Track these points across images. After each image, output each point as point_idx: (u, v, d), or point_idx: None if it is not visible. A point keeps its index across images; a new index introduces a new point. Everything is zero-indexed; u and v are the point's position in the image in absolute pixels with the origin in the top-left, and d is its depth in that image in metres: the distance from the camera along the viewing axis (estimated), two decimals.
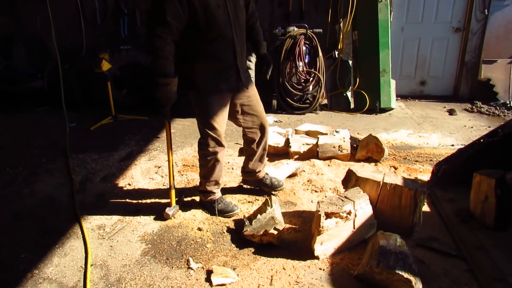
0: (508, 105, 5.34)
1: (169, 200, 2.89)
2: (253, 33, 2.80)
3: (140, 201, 3.10)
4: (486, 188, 2.60)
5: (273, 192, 3.10)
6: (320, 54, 5.19)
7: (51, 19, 4.54)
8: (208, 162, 2.74)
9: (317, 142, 3.77)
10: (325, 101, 5.55)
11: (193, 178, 3.44)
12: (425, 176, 3.37)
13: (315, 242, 2.33)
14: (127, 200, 3.12)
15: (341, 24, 5.53)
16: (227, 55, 2.51)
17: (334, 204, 2.36)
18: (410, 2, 5.61)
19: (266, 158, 3.08)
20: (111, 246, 2.54)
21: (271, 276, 2.23)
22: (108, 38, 5.78)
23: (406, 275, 2.01)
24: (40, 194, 3.24)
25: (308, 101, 5.41)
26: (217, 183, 2.86)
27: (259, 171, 3.03)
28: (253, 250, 2.46)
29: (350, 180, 2.68)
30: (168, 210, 2.79)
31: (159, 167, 3.68)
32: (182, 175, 3.52)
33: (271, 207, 2.60)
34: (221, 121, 2.65)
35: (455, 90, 5.90)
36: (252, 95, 2.77)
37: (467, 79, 5.75)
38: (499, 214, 2.54)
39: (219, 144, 2.69)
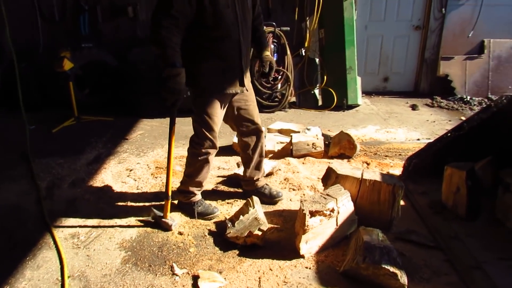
0: (465, 100, 5.62)
1: (147, 204, 2.80)
2: (257, 34, 2.77)
3: (114, 206, 2.97)
4: (457, 180, 2.72)
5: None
6: (288, 52, 5.22)
7: (4, 14, 4.25)
8: (197, 162, 2.69)
9: (291, 141, 3.79)
10: (293, 99, 5.59)
11: None
12: (396, 170, 3.48)
13: (300, 241, 2.33)
14: (100, 205, 2.98)
15: (308, 22, 5.59)
16: (233, 56, 2.49)
17: (318, 202, 2.37)
18: (373, 1, 5.77)
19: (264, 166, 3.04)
20: (88, 255, 2.42)
21: (259, 278, 2.21)
22: (67, 36, 5.51)
23: (392, 269, 2.06)
24: (3, 203, 3.04)
25: (277, 99, 5.43)
26: (200, 184, 2.80)
27: (258, 180, 2.98)
28: (237, 252, 2.44)
29: (329, 177, 2.70)
30: (170, 221, 2.66)
31: (130, 170, 3.56)
32: (156, 177, 3.42)
33: (253, 207, 2.58)
34: (219, 122, 2.62)
35: (416, 85, 6.14)
36: (250, 100, 2.75)
37: (427, 75, 6.00)
38: (470, 205, 2.67)
39: (213, 145, 2.65)
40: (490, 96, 5.73)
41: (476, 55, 5.81)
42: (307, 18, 5.60)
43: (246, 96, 2.70)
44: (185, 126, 4.77)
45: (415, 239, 2.52)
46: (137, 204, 3.00)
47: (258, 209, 2.59)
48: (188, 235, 2.62)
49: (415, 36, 5.91)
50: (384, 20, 5.86)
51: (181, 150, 4.04)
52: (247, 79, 2.67)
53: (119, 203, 3.02)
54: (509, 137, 3.07)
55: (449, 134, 3.25)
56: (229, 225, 2.55)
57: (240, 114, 2.74)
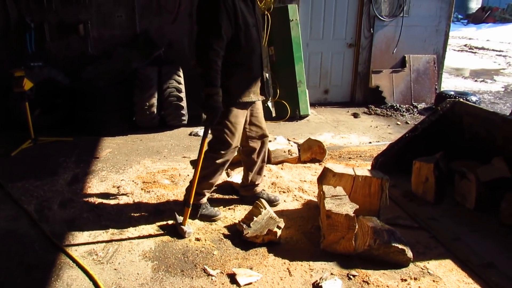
0: (395, 107, 6.45)
1: (151, 217, 2.86)
2: None
3: (118, 222, 2.99)
4: (426, 172, 3.26)
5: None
6: None
7: None
8: (214, 165, 2.87)
9: (268, 149, 4.08)
10: None
11: (162, 194, 3.43)
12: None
13: (351, 239, 2.58)
14: (104, 223, 2.98)
15: None
16: (258, 68, 2.80)
17: (343, 204, 2.65)
18: (312, 22, 6.37)
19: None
20: (115, 269, 2.46)
21: (287, 268, 2.47)
22: (10, 54, 5.19)
23: (400, 246, 2.47)
24: None
25: None
26: (211, 186, 3.00)
27: (257, 185, 3.21)
28: (258, 249, 2.66)
29: (326, 176, 3.06)
30: (186, 228, 2.78)
31: (118, 187, 3.55)
32: (148, 192, 3.47)
33: (265, 208, 2.84)
34: (241, 129, 2.86)
35: (352, 96, 6.86)
36: (260, 107, 3.03)
37: (361, 86, 6.74)
38: (438, 191, 3.22)
39: (234, 150, 2.88)
40: (414, 103, 6.64)
41: (400, 68, 6.71)
42: None
43: (258, 104, 3.00)
44: (153, 142, 4.82)
45: (402, 222, 2.99)
46: (141, 218, 3.05)
47: (269, 210, 2.84)
48: (205, 240, 2.77)
49: (349, 52, 6.64)
50: (322, 38, 6.49)
51: (158, 165, 4.11)
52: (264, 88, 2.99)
53: (122, 219, 3.04)
54: (454, 134, 3.73)
55: (406, 135, 3.82)
56: (245, 226, 2.76)
57: (251, 121, 3.01)
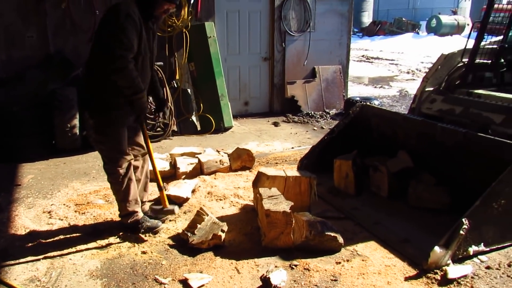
0: (310, 114, 7.00)
1: (91, 236, 2.84)
2: (153, 79, 3.12)
3: (56, 246, 2.91)
4: (346, 168, 3.68)
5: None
6: (166, 85, 5.63)
7: None
8: (122, 184, 2.90)
9: (199, 161, 4.24)
10: (174, 127, 5.98)
11: (98, 213, 3.39)
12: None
13: (290, 234, 2.82)
14: (40, 248, 2.88)
15: (177, 57, 6.11)
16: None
17: (280, 203, 2.90)
18: (228, 38, 6.68)
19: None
20: None
21: (235, 267, 2.64)
22: None
23: (333, 234, 2.79)
24: None
25: (159, 128, 5.73)
26: (136, 201, 3.02)
27: (144, 203, 3.24)
28: (205, 254, 2.79)
29: (260, 180, 3.30)
30: (171, 207, 2.99)
31: (49, 212, 3.42)
32: (82, 213, 3.40)
33: (207, 215, 2.98)
34: (126, 144, 2.93)
35: (270, 106, 7.28)
36: (137, 127, 3.06)
37: (278, 97, 7.20)
38: (357, 184, 3.64)
39: (129, 164, 2.93)
40: (326, 110, 7.26)
41: (311, 79, 7.30)
42: (175, 53, 6.12)
43: (136, 124, 3.04)
44: (78, 164, 4.68)
45: (331, 215, 3.33)
46: (80, 239, 3.00)
47: (212, 216, 2.99)
48: (152, 252, 2.83)
49: (264, 66, 7.07)
50: (239, 53, 6.83)
51: (89, 186, 4.03)
52: None
53: (61, 242, 2.96)
54: (364, 134, 4.23)
55: (325, 138, 4.25)
56: (189, 234, 2.88)
57: (134, 139, 3.08)
